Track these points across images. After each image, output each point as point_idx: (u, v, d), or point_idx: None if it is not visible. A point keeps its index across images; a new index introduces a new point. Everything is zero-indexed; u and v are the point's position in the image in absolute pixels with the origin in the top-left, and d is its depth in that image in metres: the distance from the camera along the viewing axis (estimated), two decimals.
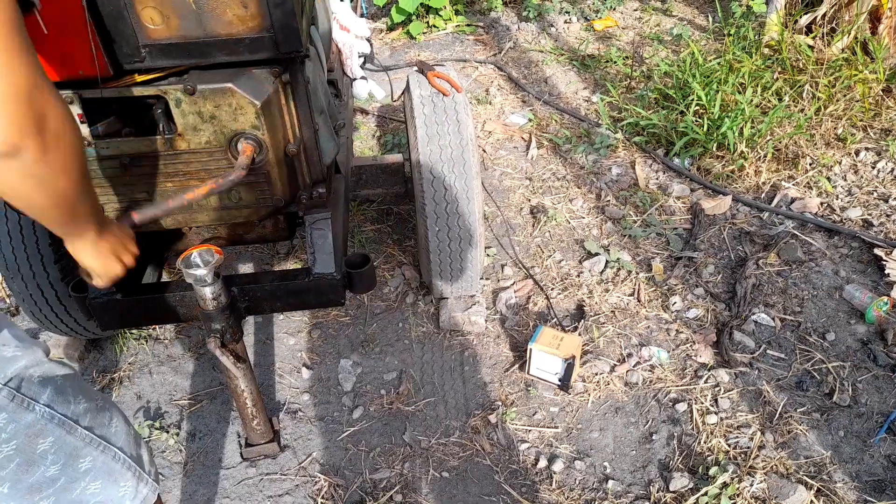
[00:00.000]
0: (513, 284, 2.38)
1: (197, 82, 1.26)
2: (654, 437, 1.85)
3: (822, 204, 2.62)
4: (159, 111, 1.30)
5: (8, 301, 2.43)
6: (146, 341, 2.22)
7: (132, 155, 1.33)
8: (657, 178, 2.89)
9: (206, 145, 1.33)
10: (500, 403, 1.97)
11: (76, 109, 1.25)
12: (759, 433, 1.82)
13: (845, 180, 2.73)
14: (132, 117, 1.38)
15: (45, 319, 1.93)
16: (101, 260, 1.12)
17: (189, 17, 1.17)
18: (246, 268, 2.55)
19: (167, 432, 1.92)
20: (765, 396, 1.92)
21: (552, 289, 2.36)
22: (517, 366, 2.08)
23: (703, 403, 1.92)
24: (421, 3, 4.25)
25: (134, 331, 2.23)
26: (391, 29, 4.45)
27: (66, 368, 1.05)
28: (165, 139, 1.32)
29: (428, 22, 4.40)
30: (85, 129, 1.28)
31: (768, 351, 2.06)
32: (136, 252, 1.20)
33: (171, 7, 1.16)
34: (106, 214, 1.17)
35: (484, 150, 3.15)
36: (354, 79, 3.36)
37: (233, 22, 1.20)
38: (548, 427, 1.90)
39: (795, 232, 2.48)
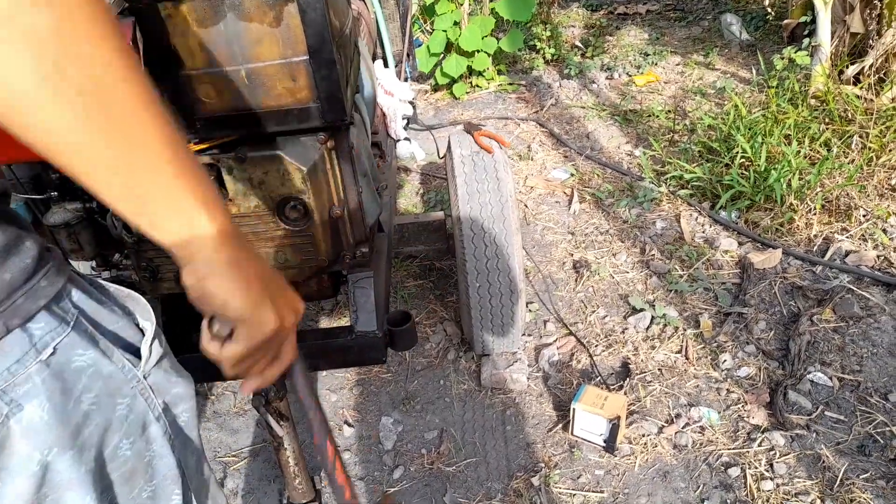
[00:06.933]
0: (555, 341, 2.36)
1: (247, 150, 1.33)
2: None
3: (878, 257, 2.52)
4: (212, 178, 1.37)
5: None
6: None
7: None
8: (703, 232, 2.85)
9: (256, 209, 1.39)
10: (543, 465, 1.92)
11: None
12: (818, 501, 1.72)
13: None
14: None
15: None
16: (244, 293, 0.63)
17: (241, 92, 1.25)
18: None
19: None
20: (824, 461, 1.82)
21: (596, 346, 2.33)
22: (560, 426, 2.03)
23: (757, 468, 1.83)
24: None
25: None
26: (435, 90, 4.59)
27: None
28: None
29: (471, 82, 4.53)
30: None
31: (826, 412, 1.97)
32: (301, 308, 0.74)
33: (225, 83, 1.24)
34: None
35: (526, 206, 3.18)
36: (398, 140, 3.46)
37: (282, 94, 1.26)
38: (593, 491, 1.84)
39: (851, 286, 2.38)
